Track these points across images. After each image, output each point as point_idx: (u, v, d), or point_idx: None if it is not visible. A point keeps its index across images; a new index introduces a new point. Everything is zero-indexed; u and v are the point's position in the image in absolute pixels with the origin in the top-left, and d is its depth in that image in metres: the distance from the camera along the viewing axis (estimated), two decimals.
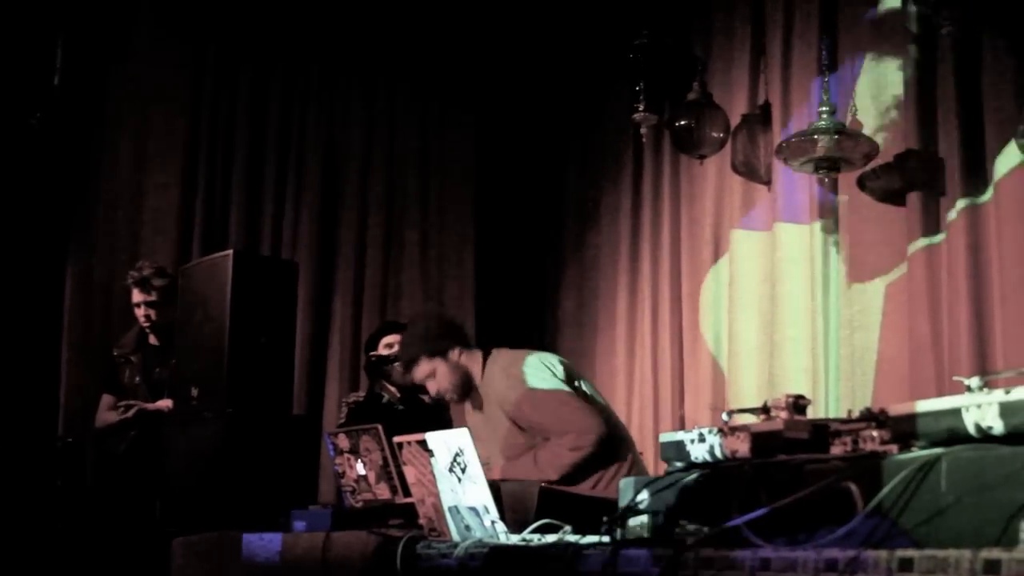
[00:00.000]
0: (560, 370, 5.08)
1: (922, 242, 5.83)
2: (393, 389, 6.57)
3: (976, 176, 5.60)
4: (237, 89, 8.11)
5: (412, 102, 8.59)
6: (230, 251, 5.91)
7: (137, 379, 6.75)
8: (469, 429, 5.22)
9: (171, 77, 7.92)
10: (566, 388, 4.99)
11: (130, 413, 6.57)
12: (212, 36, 8.03)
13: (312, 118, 8.30)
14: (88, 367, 7.37)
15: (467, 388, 5.22)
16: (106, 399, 6.81)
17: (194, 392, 5.73)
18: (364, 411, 6.43)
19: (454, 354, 5.18)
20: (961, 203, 5.62)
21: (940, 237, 5.77)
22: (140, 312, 6.79)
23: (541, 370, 5.03)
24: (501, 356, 5.21)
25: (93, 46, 7.63)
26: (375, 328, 7.20)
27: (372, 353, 6.63)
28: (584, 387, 5.17)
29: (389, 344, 6.64)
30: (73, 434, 7.19)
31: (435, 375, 5.18)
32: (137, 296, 6.77)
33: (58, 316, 7.42)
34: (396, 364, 6.56)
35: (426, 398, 6.64)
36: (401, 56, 8.43)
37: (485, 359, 5.21)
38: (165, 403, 6.46)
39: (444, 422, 6.32)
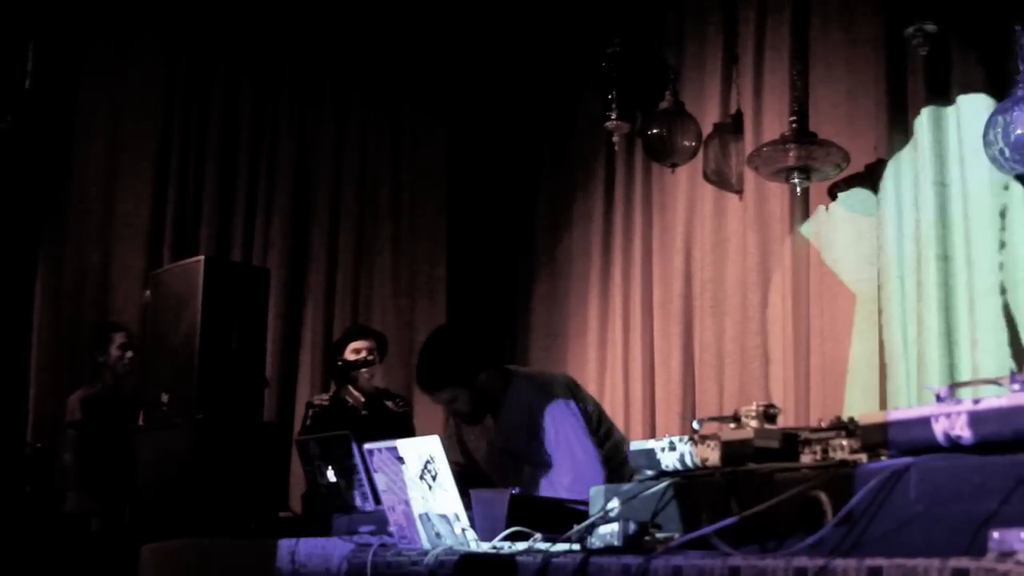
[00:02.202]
0: (584, 408, 5.09)
1: (892, 251, 5.86)
2: (357, 394, 6.57)
3: (946, 186, 5.64)
4: (209, 95, 8.10)
5: (384, 110, 8.59)
6: (201, 257, 5.88)
7: None
8: (489, 442, 5.24)
9: (142, 83, 7.90)
10: (584, 436, 4.99)
11: None
12: (184, 43, 8.01)
13: (284, 124, 8.30)
14: (57, 373, 7.34)
15: (486, 411, 5.15)
16: None
17: (164, 398, 5.70)
18: (329, 415, 6.42)
19: (479, 381, 5.00)
20: (931, 213, 5.64)
21: (910, 247, 5.79)
22: None
23: (567, 413, 5.02)
24: (532, 385, 5.08)
25: (64, 50, 7.61)
26: (343, 333, 7.20)
27: (340, 358, 6.62)
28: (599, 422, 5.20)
29: (357, 349, 6.63)
30: (42, 440, 7.15)
31: (456, 400, 5.09)
32: None
33: (27, 321, 7.39)
34: (363, 370, 6.56)
35: (390, 404, 6.65)
36: (373, 64, 8.43)
37: (507, 381, 5.09)
38: None
39: (407, 430, 6.32)
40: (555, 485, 4.84)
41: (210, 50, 8.10)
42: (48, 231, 7.54)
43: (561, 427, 4.92)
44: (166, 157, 7.92)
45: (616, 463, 5.03)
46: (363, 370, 6.56)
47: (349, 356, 6.60)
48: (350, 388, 6.57)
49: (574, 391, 5.12)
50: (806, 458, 2.67)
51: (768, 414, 2.85)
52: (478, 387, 4.98)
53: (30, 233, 7.48)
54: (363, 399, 6.55)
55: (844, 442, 2.59)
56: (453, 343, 5.22)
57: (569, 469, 4.85)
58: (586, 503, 4.36)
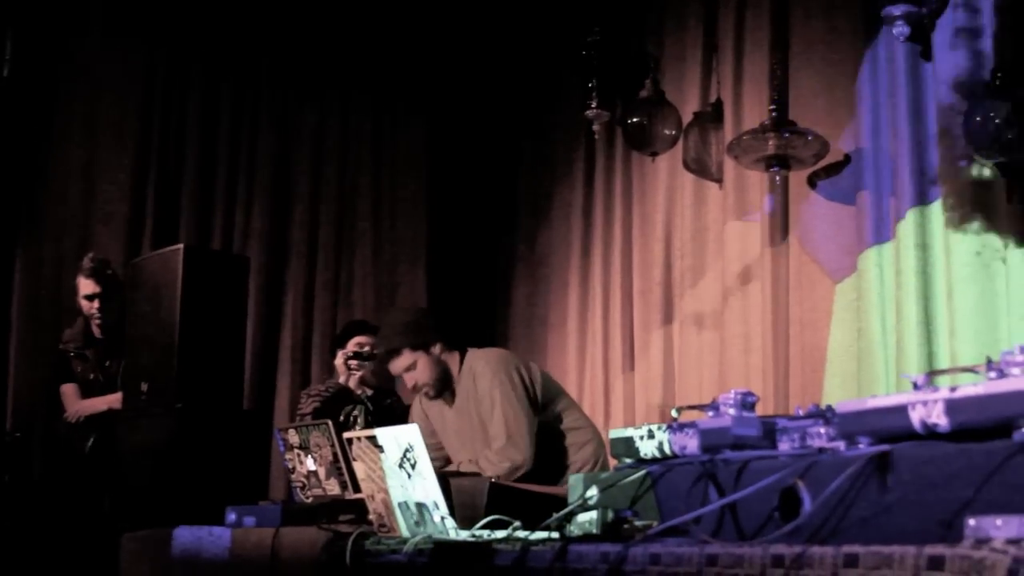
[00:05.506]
0: (529, 380, 5.18)
1: (871, 240, 5.87)
2: (362, 386, 6.55)
3: (925, 175, 5.65)
4: (189, 84, 8.07)
5: (364, 99, 8.56)
6: (180, 245, 5.88)
7: (92, 375, 6.70)
8: (445, 424, 5.31)
9: (122, 72, 7.87)
10: (526, 403, 5.08)
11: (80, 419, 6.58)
12: (165, 32, 7.98)
13: (264, 115, 8.27)
14: (37, 363, 7.31)
15: (445, 384, 5.28)
16: (70, 387, 6.73)
17: (144, 387, 5.70)
18: (334, 404, 6.41)
19: (436, 349, 5.23)
20: (910, 202, 5.66)
21: (889, 236, 5.81)
22: (92, 304, 6.73)
23: (511, 377, 5.11)
24: (478, 356, 5.28)
25: (44, 39, 7.57)
26: (346, 326, 7.14)
27: (342, 350, 6.59)
28: (558, 403, 5.27)
29: (360, 344, 6.61)
30: (21, 430, 7.13)
31: (415, 367, 5.23)
32: (91, 287, 6.71)
33: (6, 311, 7.36)
34: (368, 363, 6.55)
35: (391, 401, 6.64)
36: (353, 54, 8.41)
37: (463, 358, 5.28)
38: (115, 397, 6.42)
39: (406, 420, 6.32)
40: (487, 450, 4.98)
41: (190, 40, 8.06)
42: (27, 220, 7.50)
43: (496, 394, 5.05)
44: (146, 147, 7.88)
45: (561, 435, 5.17)
46: (367, 363, 6.54)
47: (353, 349, 6.57)
48: (353, 380, 6.55)
49: (519, 367, 5.22)
50: (784, 446, 2.68)
51: (747, 402, 2.85)
52: (435, 357, 5.20)
53: (8, 222, 7.45)
54: (370, 391, 6.54)
55: (822, 430, 2.60)
56: (409, 311, 5.60)
57: (500, 434, 5.02)
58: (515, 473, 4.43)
